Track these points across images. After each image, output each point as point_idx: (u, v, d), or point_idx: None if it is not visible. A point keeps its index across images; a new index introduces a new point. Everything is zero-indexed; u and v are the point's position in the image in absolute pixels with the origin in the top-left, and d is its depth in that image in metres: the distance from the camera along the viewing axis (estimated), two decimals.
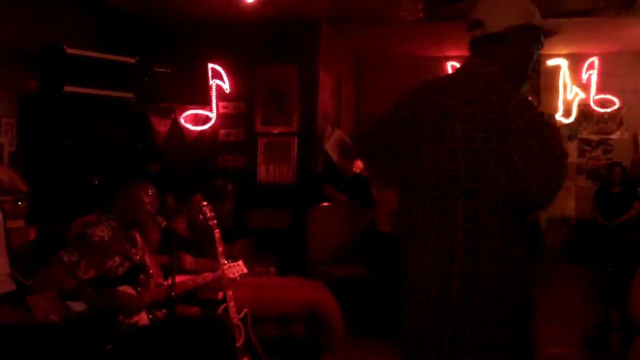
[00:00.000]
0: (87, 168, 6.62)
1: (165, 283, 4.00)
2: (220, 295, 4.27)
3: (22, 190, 5.62)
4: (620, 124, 9.74)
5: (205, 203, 4.35)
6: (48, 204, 5.89)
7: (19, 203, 5.45)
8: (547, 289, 8.04)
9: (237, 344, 4.17)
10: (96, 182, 6.01)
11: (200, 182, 7.53)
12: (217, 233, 4.27)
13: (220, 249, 4.24)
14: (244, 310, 4.37)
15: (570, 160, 9.87)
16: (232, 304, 4.24)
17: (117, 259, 3.49)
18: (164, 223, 3.88)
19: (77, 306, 3.10)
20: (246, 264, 6.68)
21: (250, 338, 4.37)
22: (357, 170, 7.92)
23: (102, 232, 3.45)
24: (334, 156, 8.00)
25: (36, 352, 2.64)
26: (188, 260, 5.93)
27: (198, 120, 7.98)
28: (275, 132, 7.97)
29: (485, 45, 2.40)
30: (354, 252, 7.05)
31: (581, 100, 9.63)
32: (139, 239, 3.76)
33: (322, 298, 5.59)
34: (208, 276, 4.05)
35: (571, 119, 9.68)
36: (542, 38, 2.41)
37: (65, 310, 2.97)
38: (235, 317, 4.25)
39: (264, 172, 8.01)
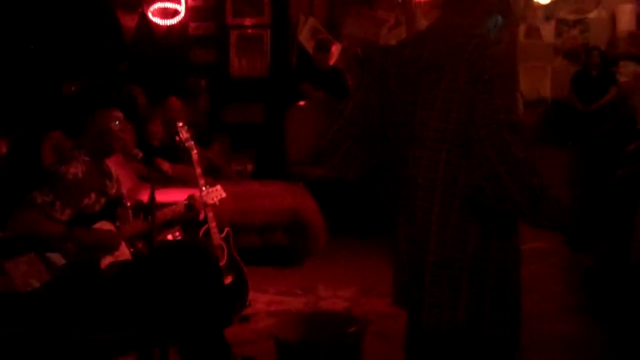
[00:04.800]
0: (56, 72, 6.43)
1: (145, 199, 3.95)
2: (202, 216, 4.23)
3: None
4: (598, 2, 9.56)
5: (180, 124, 4.24)
6: (18, 115, 5.74)
7: None
8: None
9: (221, 264, 4.16)
10: (67, 92, 5.83)
11: (172, 79, 7.39)
12: (194, 155, 4.19)
13: (198, 170, 4.16)
14: (226, 230, 4.35)
15: (547, 41, 9.76)
16: (213, 224, 4.21)
17: (93, 196, 3.39)
18: (141, 154, 3.76)
19: (57, 259, 3.03)
20: (224, 163, 6.67)
21: (232, 255, 4.37)
22: (332, 63, 7.75)
23: (75, 170, 3.33)
24: (309, 48, 7.81)
25: (19, 322, 2.61)
26: (166, 165, 5.89)
27: (167, 14, 7.69)
28: (247, 24, 7.74)
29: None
30: None
31: None
32: (112, 170, 3.66)
33: (303, 204, 5.61)
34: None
35: None
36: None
37: (46, 270, 2.90)
38: (217, 238, 4.23)
39: (237, 66, 7.83)
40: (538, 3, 9.43)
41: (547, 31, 9.70)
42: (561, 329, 4.28)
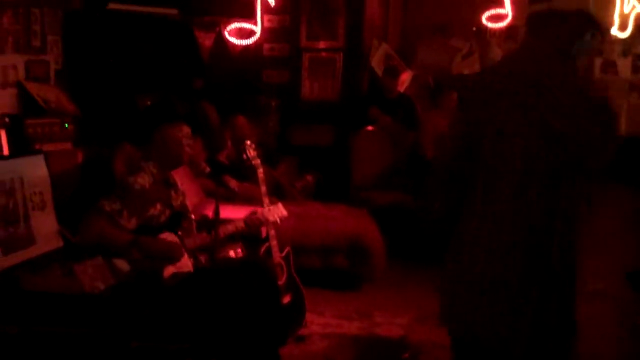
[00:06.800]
0: (132, 86, 6.59)
1: (209, 213, 4.05)
2: (264, 233, 4.31)
3: (69, 110, 5.62)
4: None
5: (248, 142, 4.33)
6: (95, 126, 5.90)
7: (66, 125, 5.47)
8: (591, 215, 7.91)
9: (280, 282, 4.23)
10: (142, 106, 5.99)
11: (244, 98, 7.52)
12: (260, 173, 4.27)
13: (263, 188, 4.24)
14: (286, 249, 4.41)
15: (623, 77, 9.60)
16: (274, 243, 4.27)
17: (159, 207, 3.50)
18: (208, 170, 3.87)
19: (123, 265, 3.15)
20: (289, 184, 6.73)
21: (292, 275, 4.42)
22: (402, 90, 7.79)
23: (142, 181, 3.45)
24: (380, 73, 7.86)
25: (83, 322, 2.70)
26: (233, 183, 6.00)
27: (242, 34, 7.84)
28: (320, 47, 7.84)
29: (544, 20, 2.46)
30: (398, 177, 7.00)
31: (638, 13, 9.20)
32: (179, 183, 3.77)
33: (365, 229, 5.62)
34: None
35: (627, 34, 9.31)
36: (598, 34, 2.46)
37: (112, 275, 3.02)
38: (277, 256, 4.29)
39: (309, 88, 7.93)
40: (616, 37, 9.28)
41: (624, 67, 9.55)
42: None
